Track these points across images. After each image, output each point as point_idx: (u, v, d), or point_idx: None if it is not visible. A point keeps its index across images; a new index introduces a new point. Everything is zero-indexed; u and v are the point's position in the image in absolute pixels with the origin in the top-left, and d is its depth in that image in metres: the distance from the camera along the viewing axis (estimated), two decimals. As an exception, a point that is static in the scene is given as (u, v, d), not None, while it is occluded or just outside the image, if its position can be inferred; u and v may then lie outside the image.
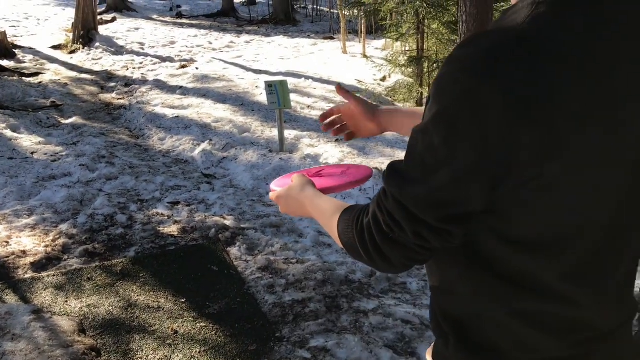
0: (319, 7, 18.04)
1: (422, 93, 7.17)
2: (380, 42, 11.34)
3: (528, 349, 0.83)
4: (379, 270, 0.90)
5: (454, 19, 6.69)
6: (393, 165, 0.83)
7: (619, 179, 0.76)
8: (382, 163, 5.17)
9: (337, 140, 5.79)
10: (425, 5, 6.74)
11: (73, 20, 12.79)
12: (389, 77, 8.49)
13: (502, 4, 6.63)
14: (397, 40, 7.88)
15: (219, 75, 8.84)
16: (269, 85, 5.56)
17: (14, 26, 15.15)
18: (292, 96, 6.49)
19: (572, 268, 0.79)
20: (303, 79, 8.49)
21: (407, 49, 8.50)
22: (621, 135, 0.73)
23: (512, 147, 0.70)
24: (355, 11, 8.99)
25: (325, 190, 1.15)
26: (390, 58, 7.83)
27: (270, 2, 17.55)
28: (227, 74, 9.22)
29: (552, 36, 0.69)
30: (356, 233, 0.88)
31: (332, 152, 5.44)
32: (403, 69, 7.65)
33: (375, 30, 12.56)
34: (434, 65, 7.12)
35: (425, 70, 7.26)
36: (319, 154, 5.44)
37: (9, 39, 11.26)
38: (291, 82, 7.84)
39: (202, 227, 3.98)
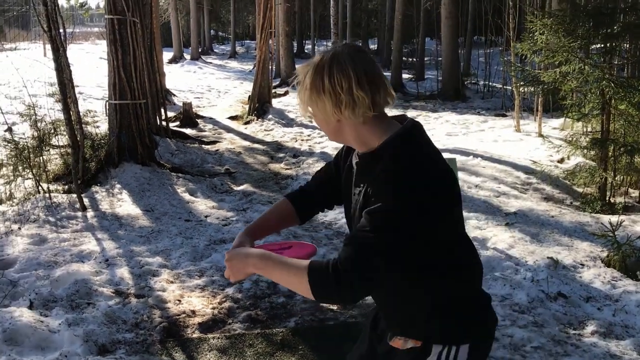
0: (491, 83, 17.95)
1: (606, 178, 6.75)
2: (558, 121, 10.95)
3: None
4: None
5: (646, 99, 6.30)
6: None
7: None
8: (557, 253, 4.90)
9: (507, 224, 5.62)
10: (612, 84, 6.44)
11: (250, 94, 14.05)
12: (568, 159, 8.13)
13: None
14: (578, 120, 7.56)
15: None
16: (437, 163, 5.60)
17: (198, 97, 16.97)
18: (460, 174, 6.47)
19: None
20: (471, 156, 8.43)
21: (589, 130, 8.12)
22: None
23: None
24: (532, 88, 8.82)
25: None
26: (570, 139, 7.51)
27: (440, 78, 17.83)
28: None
29: None
30: None
31: (501, 237, 5.28)
32: (585, 151, 7.28)
33: (552, 108, 12.18)
34: (621, 149, 6.70)
35: (610, 154, 6.86)
36: (487, 238, 5.31)
37: (194, 109, 12.64)
38: (459, 159, 7.82)
39: (361, 305, 4.04)
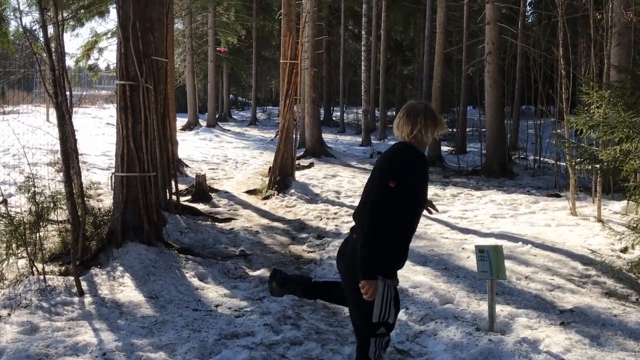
0: (542, 159, 17.98)
1: (677, 272, 6.61)
2: (619, 205, 10.85)
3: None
4: None
5: None
6: None
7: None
8: (622, 359, 4.76)
9: (562, 323, 5.50)
10: (681, 164, 6.43)
11: (270, 165, 14.26)
12: (632, 248, 8.01)
13: None
14: (643, 204, 7.51)
15: (419, 232, 9.06)
16: (481, 251, 5.57)
17: (213, 168, 17.29)
18: (507, 263, 6.40)
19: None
20: (520, 243, 8.36)
21: (656, 214, 8.03)
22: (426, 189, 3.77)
23: None
24: (589, 167, 8.82)
25: None
26: (635, 225, 7.42)
27: (483, 151, 17.94)
28: (428, 231, 9.43)
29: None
30: None
31: (555, 338, 5.16)
32: (651, 239, 7.18)
33: (613, 189, 12.09)
34: (694, 237, 6.60)
35: (681, 243, 6.76)
36: (539, 339, 5.19)
37: (208, 182, 12.85)
38: (506, 245, 7.76)
39: None
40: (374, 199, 3.59)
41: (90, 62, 18.49)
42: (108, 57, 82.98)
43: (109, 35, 18.89)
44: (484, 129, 18.33)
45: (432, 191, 13.84)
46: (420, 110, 3.79)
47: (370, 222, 3.56)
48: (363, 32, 27.65)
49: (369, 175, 3.84)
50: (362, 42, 27.71)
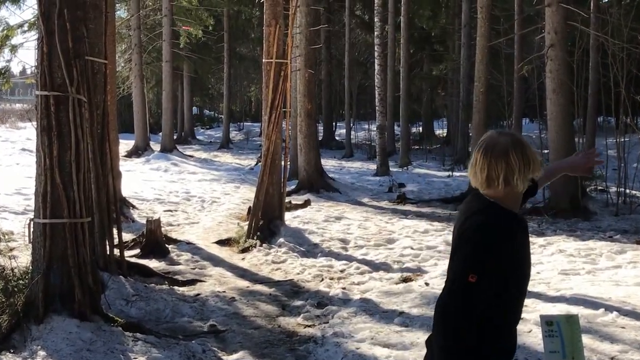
0: (628, 191, 17.91)
1: None
2: None
3: None
4: None
5: None
6: None
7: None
8: None
9: None
10: None
11: (250, 204, 14.24)
12: None
13: None
14: None
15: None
16: (548, 323, 5.50)
17: (171, 210, 17.31)
18: (585, 339, 6.34)
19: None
20: (602, 309, 8.29)
21: None
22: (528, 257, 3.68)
23: None
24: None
25: None
26: None
27: (547, 185, 17.93)
28: (474, 294, 9.35)
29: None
30: None
31: None
32: None
33: None
34: None
35: None
36: None
37: (163, 229, 12.81)
38: (582, 314, 7.70)
39: None
40: (451, 299, 3.44)
41: (-1, 64, 18.63)
42: (24, 57, 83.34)
43: (25, 27, 19.04)
44: (546, 150, 18.33)
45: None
46: (505, 146, 3.48)
47: (449, 334, 3.43)
48: (376, 19, 27.66)
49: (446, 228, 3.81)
50: (375, 33, 27.71)
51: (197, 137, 44.96)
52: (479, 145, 3.55)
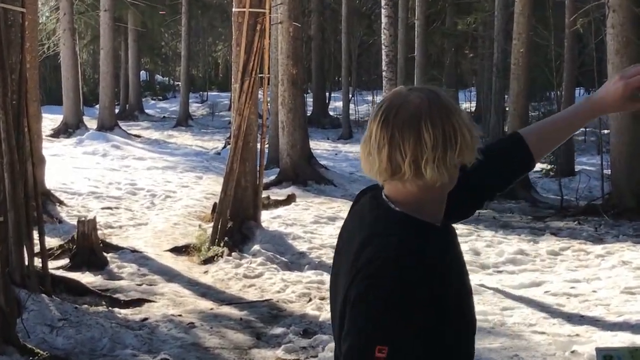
0: None
1: None
2: None
3: None
4: None
5: None
6: None
7: None
8: None
9: None
10: None
11: (216, 201, 14.20)
12: None
13: None
14: None
15: (491, 323, 9.00)
16: (607, 357, 5.52)
17: (111, 207, 17.29)
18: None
19: None
20: (679, 340, 8.33)
21: None
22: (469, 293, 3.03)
23: None
24: None
25: None
26: None
27: (606, 172, 17.93)
28: (508, 320, 9.36)
29: None
30: None
31: None
32: None
33: None
34: None
35: None
36: None
37: (100, 233, 12.75)
38: (653, 347, 7.70)
39: None
40: None
41: None
42: None
43: None
44: (606, 130, 18.35)
45: (515, 246, 13.79)
46: (417, 109, 2.58)
47: None
48: (383, -43, 27.77)
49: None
50: (382, -25, 27.81)
51: (146, 110, 44.81)
52: (377, 108, 2.69)
